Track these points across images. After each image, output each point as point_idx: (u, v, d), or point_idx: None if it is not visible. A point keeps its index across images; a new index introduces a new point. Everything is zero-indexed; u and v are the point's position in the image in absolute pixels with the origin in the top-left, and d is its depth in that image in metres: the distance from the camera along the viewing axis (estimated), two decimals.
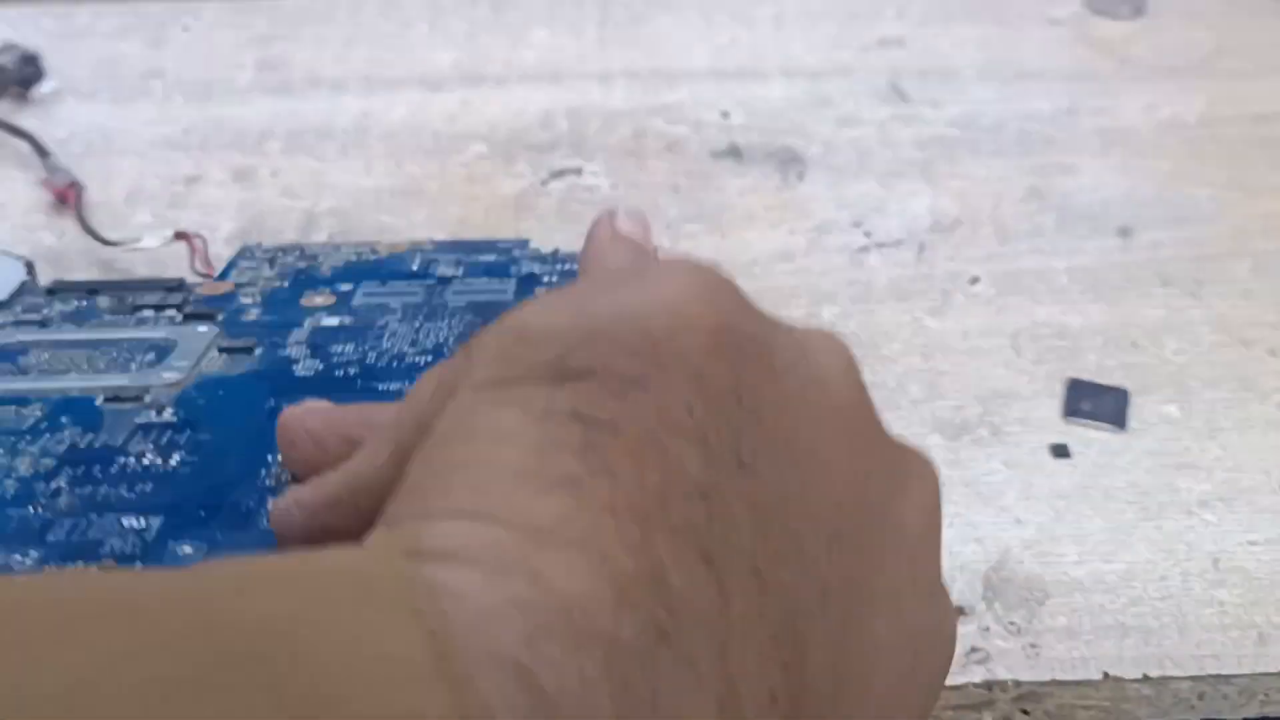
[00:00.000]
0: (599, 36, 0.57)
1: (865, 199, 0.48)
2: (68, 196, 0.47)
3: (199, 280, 0.41)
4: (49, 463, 0.32)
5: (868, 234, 0.46)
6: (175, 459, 0.32)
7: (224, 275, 0.42)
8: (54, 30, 0.55)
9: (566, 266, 0.42)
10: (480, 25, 0.58)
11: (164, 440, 0.33)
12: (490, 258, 0.42)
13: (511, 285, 0.40)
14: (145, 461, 0.32)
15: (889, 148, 0.51)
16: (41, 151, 0.48)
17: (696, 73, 0.55)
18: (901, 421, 0.39)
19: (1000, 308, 0.44)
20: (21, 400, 0.34)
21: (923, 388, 0.41)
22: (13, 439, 0.33)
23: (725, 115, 0.52)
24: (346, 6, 0.59)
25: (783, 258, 0.45)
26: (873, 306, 0.44)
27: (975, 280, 0.45)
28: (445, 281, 0.40)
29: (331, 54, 0.55)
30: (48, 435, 0.33)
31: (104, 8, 0.57)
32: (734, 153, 0.50)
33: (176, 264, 0.42)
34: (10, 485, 0.31)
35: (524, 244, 0.43)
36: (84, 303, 0.39)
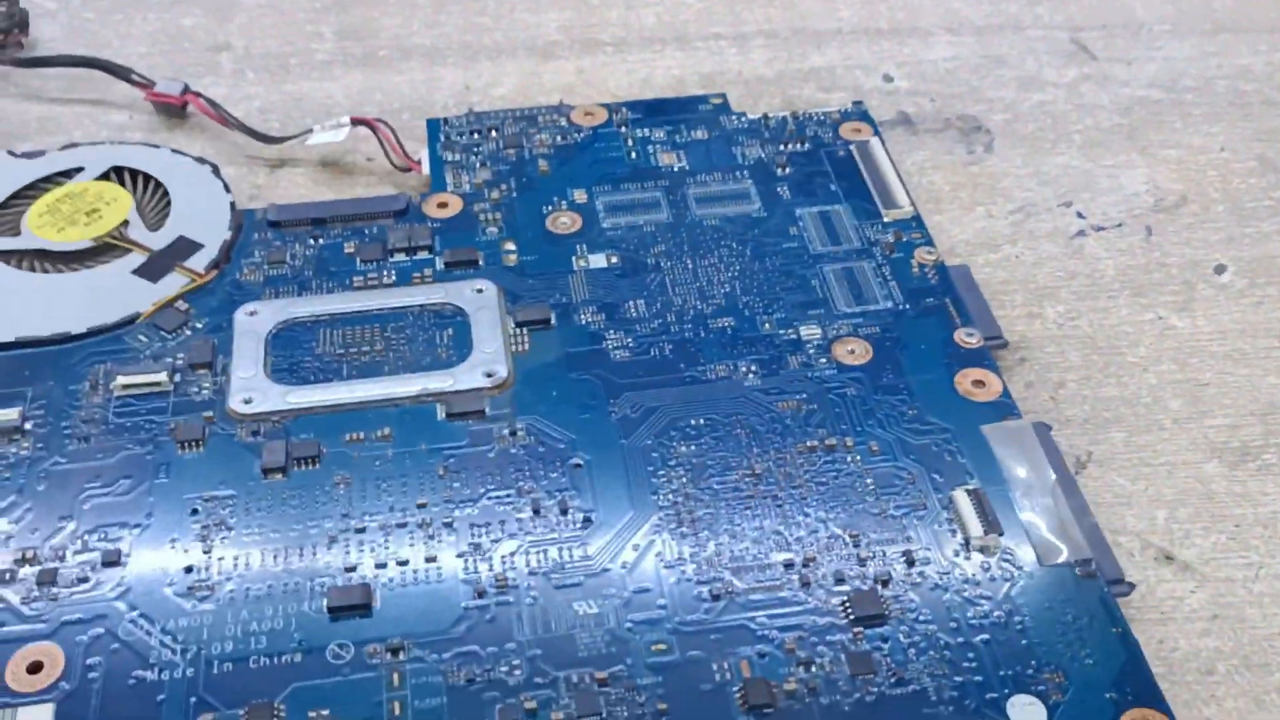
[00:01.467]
0: None
1: (1069, 174, 0.41)
2: (186, 100, 0.42)
3: (417, 191, 0.39)
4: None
5: (1081, 215, 0.39)
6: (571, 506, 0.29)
7: (435, 173, 0.39)
8: (103, 3, 0.48)
9: (789, 149, 0.39)
10: None
11: (537, 480, 0.30)
12: (701, 134, 0.40)
13: (750, 185, 0.38)
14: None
15: (1085, 113, 0.43)
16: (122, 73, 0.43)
17: (845, 31, 0.47)
18: (1167, 445, 0.32)
19: (1258, 300, 0.36)
20: (359, 416, 0.31)
21: (1184, 402, 0.33)
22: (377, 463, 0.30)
23: (888, 79, 0.45)
24: None
25: (986, 245, 0.38)
26: (1104, 303, 0.36)
27: (1221, 269, 0.37)
28: (678, 181, 0.38)
29: (421, 19, 0.48)
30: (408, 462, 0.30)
31: None
32: (905, 121, 0.42)
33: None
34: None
35: (721, 101, 0.42)
36: (319, 239, 0.36)
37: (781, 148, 0.39)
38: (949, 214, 0.39)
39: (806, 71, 0.45)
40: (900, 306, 0.34)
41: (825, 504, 0.29)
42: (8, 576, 0.28)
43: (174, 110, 0.42)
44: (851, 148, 0.39)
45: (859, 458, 0.30)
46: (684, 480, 0.30)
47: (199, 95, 0.42)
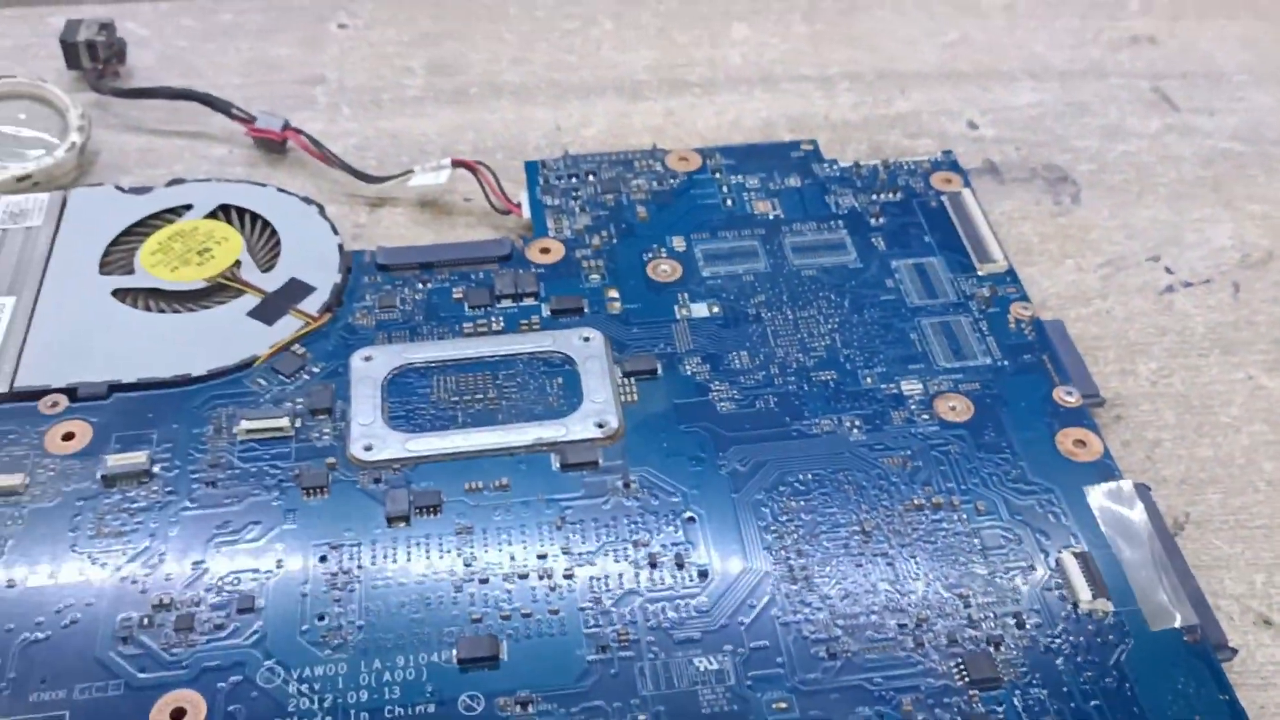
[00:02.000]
0: (809, 31, 0.50)
1: (1156, 227, 0.41)
2: (287, 137, 0.43)
3: (518, 234, 0.40)
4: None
5: (1169, 270, 0.40)
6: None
7: (536, 217, 0.40)
8: (197, 30, 0.49)
9: (882, 198, 0.40)
10: (671, 18, 0.51)
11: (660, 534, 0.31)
12: (794, 181, 0.41)
13: (845, 235, 0.39)
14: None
15: (1169, 165, 0.44)
16: (222, 106, 0.44)
17: (927, 74, 0.48)
18: (1263, 508, 0.33)
19: None
20: (476, 464, 0.32)
21: (1279, 465, 0.34)
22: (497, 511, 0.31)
23: (973, 126, 0.45)
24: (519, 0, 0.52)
25: (1078, 299, 0.39)
26: (1195, 360, 0.37)
27: None
28: (774, 230, 0.39)
29: (509, 56, 0.49)
30: (526, 512, 0.31)
31: (246, 4, 0.51)
32: (991, 170, 0.43)
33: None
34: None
35: (813, 148, 0.42)
36: (427, 283, 0.37)
37: (874, 197, 0.40)
38: (1039, 266, 0.40)
39: (893, 117, 0.46)
40: (999, 363, 0.35)
41: (935, 563, 0.30)
42: (146, 622, 0.29)
43: (274, 146, 0.43)
44: (944, 198, 0.40)
45: (965, 516, 0.31)
46: (796, 536, 0.31)
47: (299, 132, 0.43)
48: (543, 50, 0.49)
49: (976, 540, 0.31)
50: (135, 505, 0.31)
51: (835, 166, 0.41)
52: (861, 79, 0.48)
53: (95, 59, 0.45)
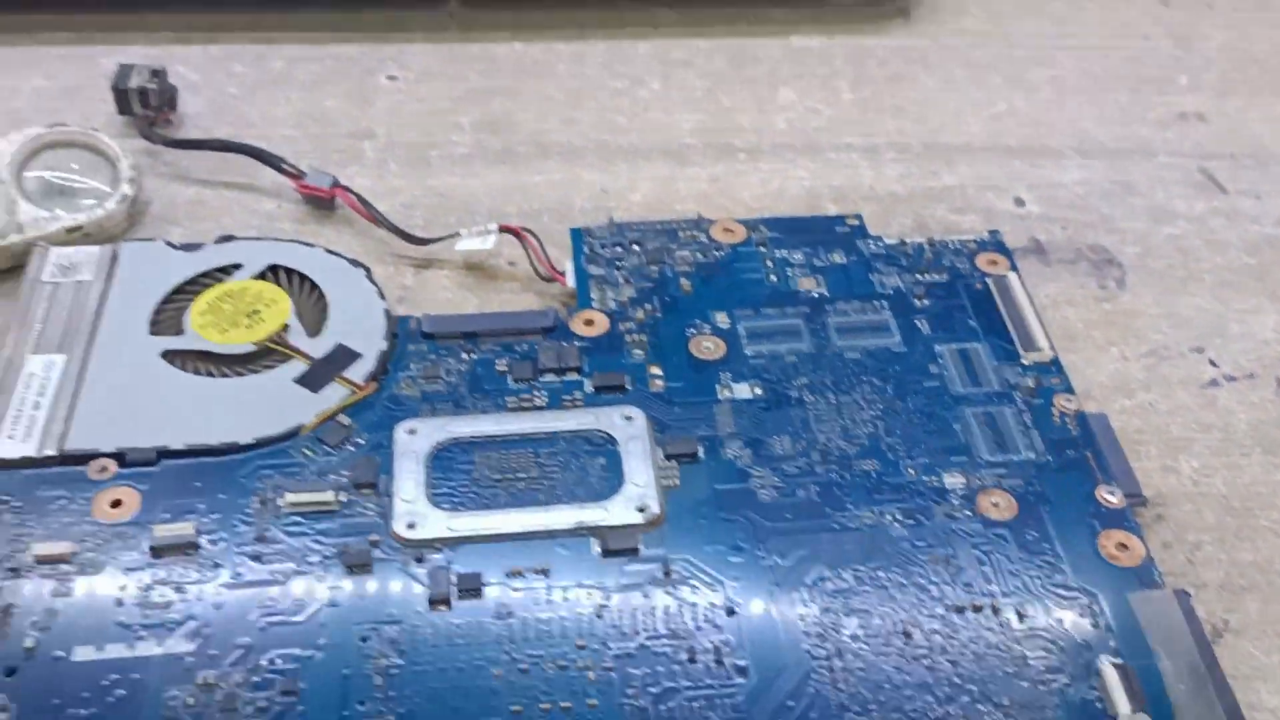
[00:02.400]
0: (855, 98, 0.50)
1: (1201, 316, 0.41)
2: (335, 194, 0.43)
3: (562, 302, 0.40)
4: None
5: (1213, 363, 0.40)
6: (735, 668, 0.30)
7: (580, 287, 0.40)
8: (247, 77, 0.49)
9: (927, 278, 0.40)
10: (718, 80, 0.51)
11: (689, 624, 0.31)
12: (839, 257, 0.41)
13: (888, 316, 0.39)
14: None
15: (1215, 250, 0.43)
16: (273, 161, 0.44)
17: (974, 147, 0.48)
18: None
19: None
20: (518, 546, 0.32)
21: None
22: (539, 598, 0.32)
23: (1019, 203, 0.45)
24: (568, 57, 0.52)
25: (1120, 390, 0.39)
26: (1237, 459, 0.37)
27: None
28: (818, 308, 0.39)
29: (558, 115, 0.49)
30: (567, 599, 0.31)
31: (298, 50, 0.51)
32: (1037, 250, 0.43)
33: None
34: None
35: (858, 223, 0.43)
36: (471, 354, 0.37)
37: (919, 277, 0.40)
38: (1083, 353, 0.40)
39: (939, 190, 0.46)
40: (1042, 458, 0.35)
41: (976, 668, 0.30)
42: (191, 701, 0.29)
43: (322, 203, 0.44)
44: (989, 281, 0.40)
45: (1008, 620, 0.31)
46: (837, 635, 0.31)
47: (348, 190, 0.43)
48: (591, 110, 0.49)
49: (1018, 646, 0.31)
50: (182, 579, 0.31)
51: (880, 243, 0.41)
52: (908, 150, 0.48)
53: (147, 105, 0.46)
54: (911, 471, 0.34)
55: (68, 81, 0.49)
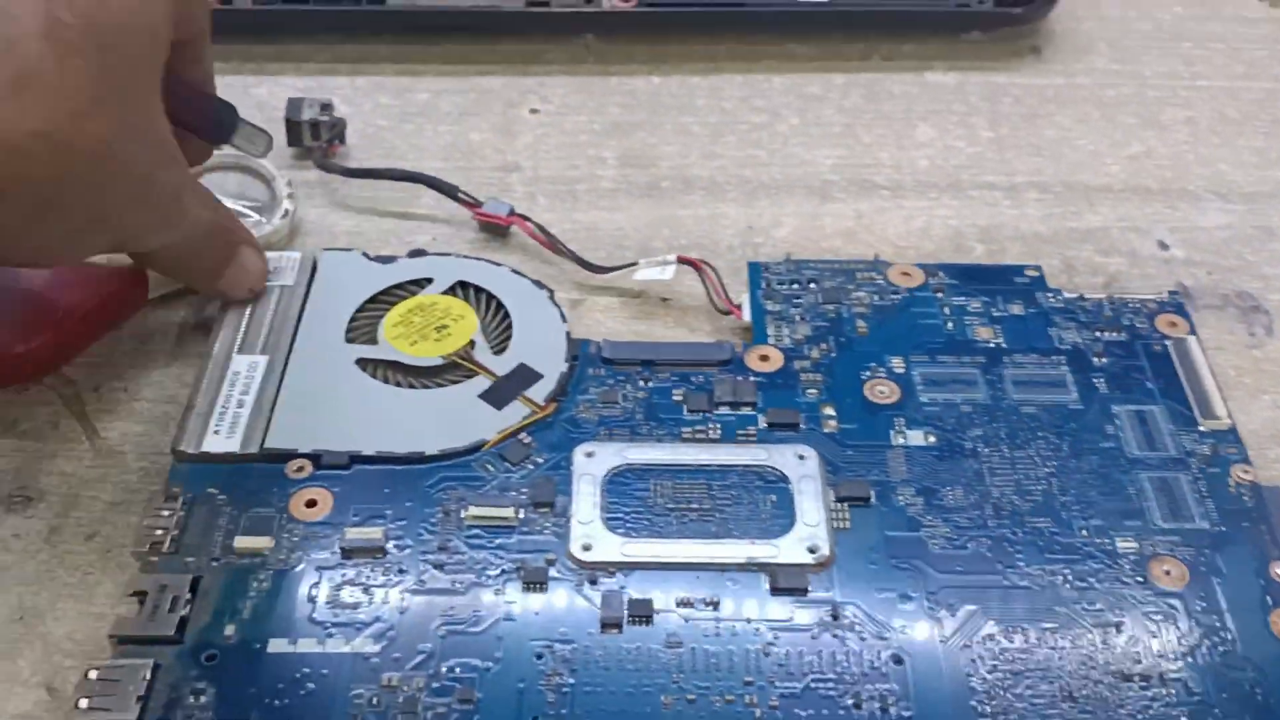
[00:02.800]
0: (994, 136, 0.50)
1: None
2: (512, 223, 0.44)
3: (733, 333, 0.41)
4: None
5: None
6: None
7: (756, 321, 0.41)
8: (394, 109, 0.50)
9: (1105, 336, 0.40)
10: (855, 116, 0.51)
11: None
12: (1018, 309, 0.41)
13: (1066, 372, 0.39)
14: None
15: None
16: (448, 190, 0.45)
17: (1115, 189, 0.48)
18: None
19: None
20: (688, 576, 0.33)
21: None
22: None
23: (1163, 246, 0.45)
24: (705, 91, 0.52)
25: (1276, 439, 0.38)
26: None
27: None
28: (994, 359, 0.39)
29: (699, 149, 0.49)
30: (734, 633, 0.32)
31: (442, 83, 0.52)
32: (1184, 295, 0.42)
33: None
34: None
35: (1038, 274, 0.42)
36: (648, 381, 0.38)
37: (1097, 334, 0.40)
38: (1236, 401, 0.39)
39: (1083, 232, 0.46)
40: (1216, 528, 0.35)
41: None
42: (375, 701, 0.30)
43: (498, 230, 0.45)
44: (1168, 344, 0.40)
45: (1174, 691, 0.31)
46: (1003, 695, 0.31)
47: (526, 219, 0.44)
48: (731, 144, 0.50)
49: (1184, 719, 0.30)
50: (370, 581, 0.33)
51: (1060, 296, 0.41)
52: (1049, 189, 0.48)
53: (317, 138, 0.47)
54: (1084, 532, 0.34)
55: None
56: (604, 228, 0.46)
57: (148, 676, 0.30)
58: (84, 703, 0.30)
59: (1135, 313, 0.41)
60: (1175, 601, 0.33)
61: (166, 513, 0.34)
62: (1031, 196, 0.47)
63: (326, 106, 0.48)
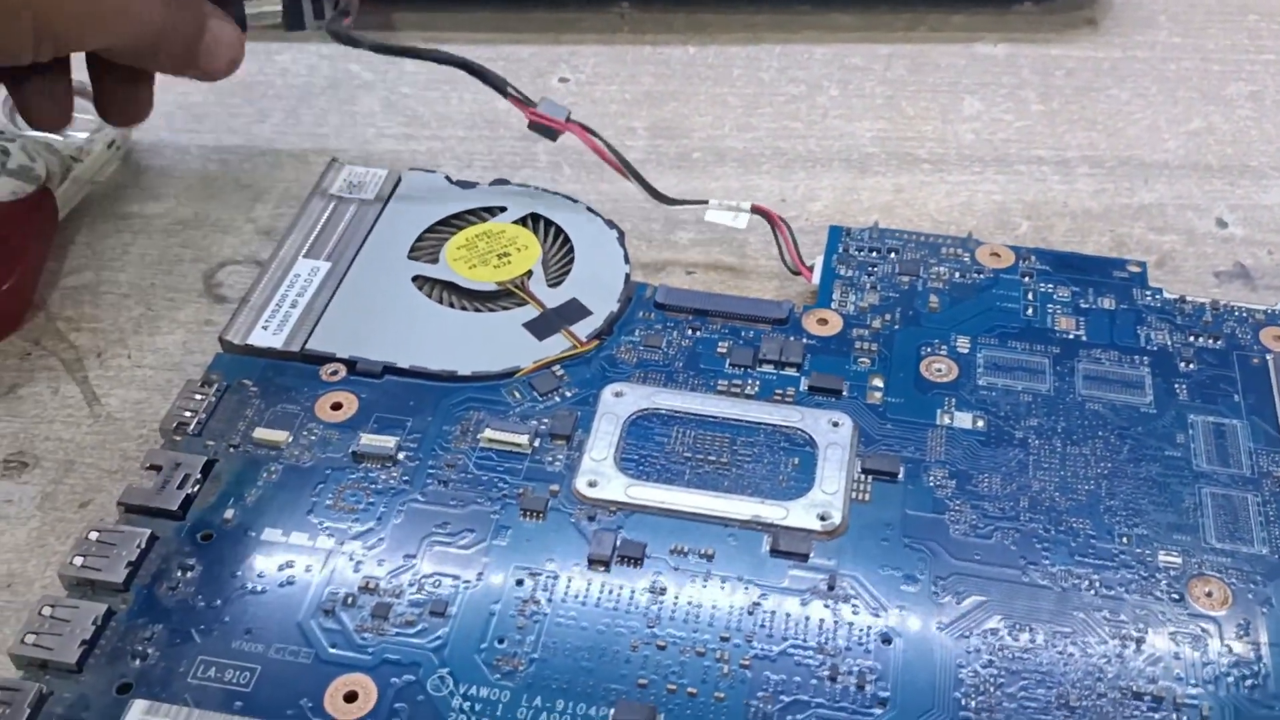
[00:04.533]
0: (1045, 109, 0.47)
1: None
2: (568, 129, 0.40)
3: (800, 296, 0.40)
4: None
5: None
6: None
7: (824, 285, 0.39)
8: (419, 77, 0.49)
9: (1198, 342, 0.37)
10: (899, 88, 0.49)
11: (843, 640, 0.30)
12: (1108, 303, 0.38)
13: (1146, 373, 0.36)
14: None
15: None
16: (496, 83, 0.41)
17: (1172, 165, 0.45)
18: None
19: None
20: (689, 526, 0.32)
21: None
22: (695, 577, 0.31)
23: (1222, 224, 0.42)
24: (743, 60, 0.50)
25: None
26: None
27: None
28: (1070, 350, 0.37)
29: (733, 121, 0.48)
30: (724, 588, 0.31)
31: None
32: (1243, 274, 0.39)
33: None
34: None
35: (1140, 270, 0.40)
36: (696, 331, 0.37)
37: (1191, 339, 0.37)
38: None
39: (1136, 208, 0.43)
40: (1275, 555, 0.31)
41: None
42: (349, 600, 0.30)
43: (549, 133, 0.41)
44: (1269, 358, 0.36)
45: (1185, 718, 0.28)
46: (993, 691, 0.29)
47: (586, 128, 0.41)
48: (767, 116, 0.48)
49: None
50: (373, 486, 0.33)
51: (1159, 296, 0.38)
52: (1102, 164, 0.45)
53: (335, 4, 0.43)
54: (1124, 540, 0.32)
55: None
56: (632, 198, 0.43)
57: (142, 545, 0.31)
58: (78, 560, 0.31)
59: (1240, 321, 0.38)
60: (1209, 625, 0.30)
61: (199, 397, 0.35)
62: (1082, 172, 0.45)
63: None
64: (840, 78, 0.50)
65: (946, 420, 0.35)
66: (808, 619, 0.30)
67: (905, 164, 0.46)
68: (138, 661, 0.29)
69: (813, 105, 0.49)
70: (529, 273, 0.39)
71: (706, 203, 0.41)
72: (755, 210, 0.40)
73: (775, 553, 0.32)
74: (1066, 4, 0.52)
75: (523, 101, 0.41)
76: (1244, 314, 0.38)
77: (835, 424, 0.34)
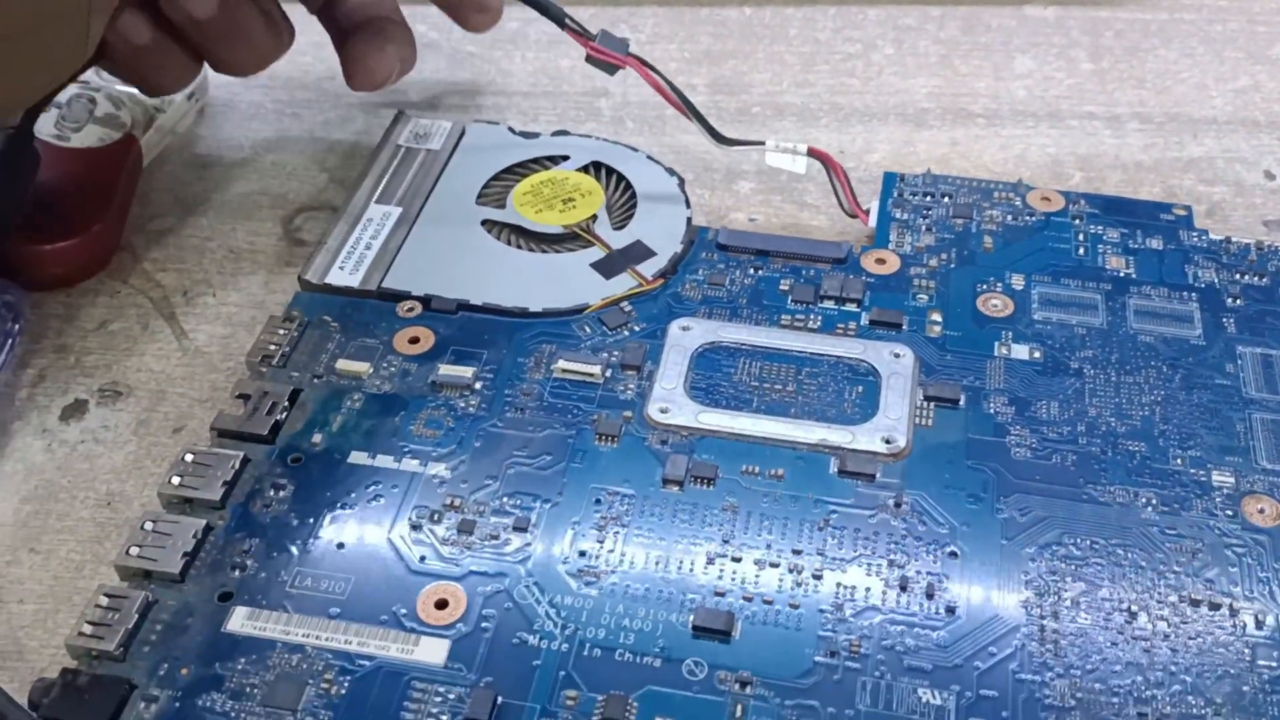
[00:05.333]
0: (1095, 68, 0.49)
1: None
2: (627, 63, 0.40)
3: (857, 239, 0.41)
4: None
5: None
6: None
7: (880, 227, 0.40)
8: (485, 37, 0.50)
9: (1244, 280, 0.38)
10: (952, 47, 0.50)
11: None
12: (1156, 243, 0.39)
13: (1195, 308, 0.37)
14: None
15: None
16: (555, 15, 0.40)
17: (1220, 120, 0.46)
18: None
19: None
20: (758, 450, 0.33)
21: None
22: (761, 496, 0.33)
23: (1270, 176, 0.43)
24: (799, 21, 0.52)
25: None
26: None
27: None
28: (1121, 287, 0.38)
29: (791, 77, 0.49)
30: (794, 506, 0.32)
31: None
32: None
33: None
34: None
35: (1185, 213, 0.41)
36: (759, 270, 0.39)
37: (1237, 277, 0.38)
38: None
39: (1186, 161, 0.44)
40: None
41: (1197, 661, 0.29)
42: (436, 517, 0.32)
43: (608, 68, 0.41)
44: None
45: (1243, 624, 0.29)
46: (1057, 598, 0.30)
47: (647, 65, 0.41)
48: (824, 73, 0.49)
49: (1248, 651, 0.29)
50: (453, 413, 0.34)
51: (1205, 238, 0.39)
52: (1151, 120, 0.46)
53: None
54: (1179, 461, 0.33)
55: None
56: (693, 151, 0.45)
57: (236, 466, 0.32)
58: (175, 479, 0.32)
59: None
60: (1263, 539, 0.31)
61: (282, 332, 0.36)
62: (1133, 127, 0.46)
63: None
64: (894, 37, 0.51)
65: (1004, 352, 0.36)
66: (876, 534, 0.31)
67: (960, 119, 0.47)
68: (237, 572, 0.31)
69: (868, 63, 0.50)
70: (594, 217, 0.40)
71: (764, 143, 0.42)
72: (812, 153, 0.41)
73: (843, 473, 0.33)
74: None
75: (581, 34, 0.40)
76: None
77: (897, 355, 0.36)
